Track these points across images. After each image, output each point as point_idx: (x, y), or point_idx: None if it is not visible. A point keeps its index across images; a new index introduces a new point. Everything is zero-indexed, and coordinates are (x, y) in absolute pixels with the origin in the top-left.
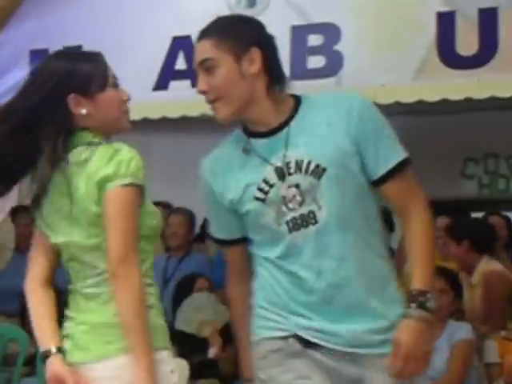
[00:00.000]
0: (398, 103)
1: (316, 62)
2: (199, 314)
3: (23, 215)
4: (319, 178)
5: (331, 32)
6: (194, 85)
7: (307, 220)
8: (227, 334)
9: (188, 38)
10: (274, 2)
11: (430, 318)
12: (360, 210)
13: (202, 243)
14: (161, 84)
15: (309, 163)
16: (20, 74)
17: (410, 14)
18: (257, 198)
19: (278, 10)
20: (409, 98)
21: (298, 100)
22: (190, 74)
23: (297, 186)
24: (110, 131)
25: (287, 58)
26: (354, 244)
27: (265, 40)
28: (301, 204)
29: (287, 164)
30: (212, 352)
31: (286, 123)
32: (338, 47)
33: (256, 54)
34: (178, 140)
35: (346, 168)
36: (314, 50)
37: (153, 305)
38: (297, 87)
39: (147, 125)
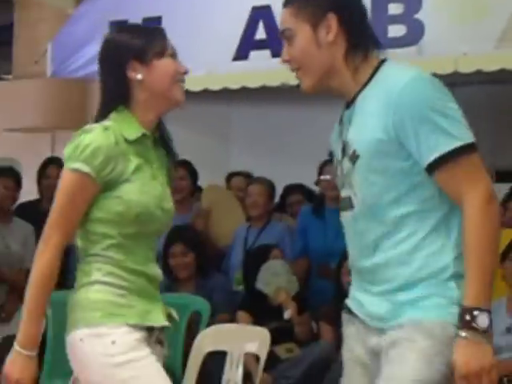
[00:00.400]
0: (479, 72)
1: (396, 30)
2: (276, 278)
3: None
4: (354, 164)
5: (412, 0)
6: (274, 55)
7: (348, 204)
8: (299, 303)
9: (267, 7)
10: None
11: (478, 337)
12: (400, 202)
13: (283, 213)
14: (241, 54)
15: (350, 147)
16: (98, 47)
17: None
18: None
19: None
20: (491, 66)
21: (376, 69)
22: (270, 44)
23: (343, 168)
24: (161, 103)
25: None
26: (383, 235)
27: (343, 4)
28: (342, 187)
29: (346, 143)
30: (287, 313)
31: (356, 97)
32: (418, 16)
33: (333, 20)
34: (258, 110)
35: (381, 158)
36: (395, 19)
37: (96, 281)
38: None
39: (227, 95)
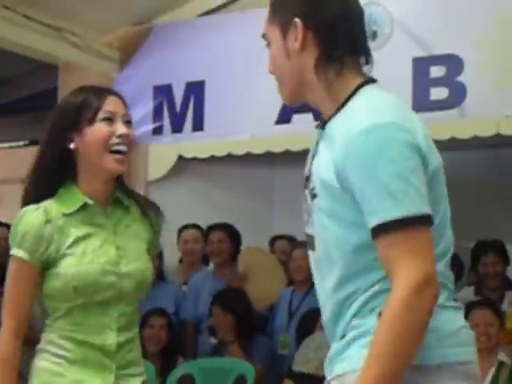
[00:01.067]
0: None
1: (439, 93)
2: (319, 352)
3: None
4: (312, 201)
5: (453, 63)
6: (316, 118)
7: (311, 243)
8: None
9: None
10: (396, 34)
11: None
12: (349, 253)
13: None
14: (283, 118)
15: (311, 181)
16: (144, 109)
17: None
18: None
19: (399, 42)
20: None
21: (354, 92)
22: (312, 108)
23: (306, 201)
24: (99, 172)
25: (410, 90)
26: (334, 286)
27: (313, 8)
28: (307, 222)
29: (310, 175)
30: None
31: (328, 120)
32: (460, 78)
33: (299, 26)
34: (301, 173)
35: (334, 204)
36: (437, 82)
37: (42, 349)
38: (421, 118)
39: (270, 158)
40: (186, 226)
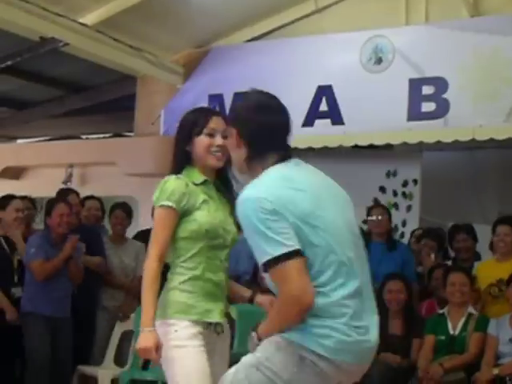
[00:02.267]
0: (492, 140)
1: (428, 106)
2: None
3: None
4: None
5: (440, 83)
6: (333, 123)
7: None
8: None
9: (329, 86)
10: (396, 60)
11: None
12: None
13: None
14: (308, 122)
15: None
16: None
17: (504, 71)
18: None
19: (399, 66)
20: (501, 135)
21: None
22: (330, 115)
23: None
24: (203, 166)
25: (406, 104)
26: None
27: (241, 122)
28: None
29: None
30: None
31: None
32: (445, 95)
33: (233, 132)
34: (320, 165)
35: None
36: (427, 98)
37: (175, 287)
38: (413, 127)
39: (296, 153)
40: None
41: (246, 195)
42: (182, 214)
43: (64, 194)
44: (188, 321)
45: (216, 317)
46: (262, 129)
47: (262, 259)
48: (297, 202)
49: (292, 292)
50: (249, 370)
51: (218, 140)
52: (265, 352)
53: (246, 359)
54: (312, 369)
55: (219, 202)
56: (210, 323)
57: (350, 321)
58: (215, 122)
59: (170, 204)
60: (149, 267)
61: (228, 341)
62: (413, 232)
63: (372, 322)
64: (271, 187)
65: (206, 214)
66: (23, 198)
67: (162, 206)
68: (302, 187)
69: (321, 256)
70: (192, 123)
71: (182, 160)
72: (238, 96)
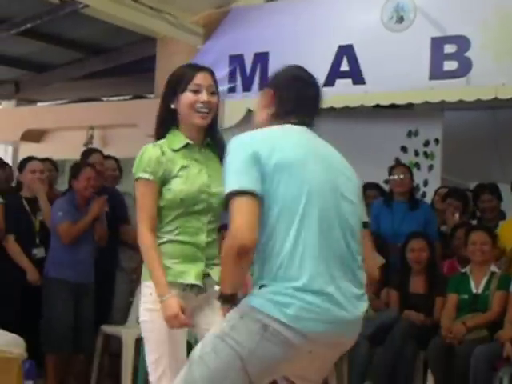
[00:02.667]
0: None
1: (450, 65)
2: None
3: None
4: None
5: (463, 42)
6: (354, 82)
7: None
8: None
9: (350, 46)
10: (418, 18)
11: None
12: None
13: None
14: (329, 81)
15: None
16: (221, 73)
17: None
18: None
19: (421, 25)
20: None
21: None
22: (351, 74)
23: None
24: (190, 124)
25: (428, 63)
26: None
27: (281, 85)
28: None
29: None
30: None
31: None
32: (468, 54)
33: (269, 91)
34: (341, 125)
35: None
36: (449, 56)
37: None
38: (435, 86)
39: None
40: None
41: (238, 136)
42: (161, 183)
43: (88, 153)
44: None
45: (191, 278)
46: (295, 94)
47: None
48: (279, 153)
49: (232, 230)
50: (214, 341)
51: (204, 96)
52: (230, 321)
53: (213, 330)
54: (276, 337)
55: (206, 164)
56: (187, 284)
57: (311, 286)
58: (201, 78)
59: (146, 176)
60: (143, 243)
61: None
62: (437, 190)
63: (349, 292)
64: (263, 135)
65: (184, 181)
66: (44, 159)
67: (139, 178)
68: (293, 144)
69: (285, 211)
70: (177, 79)
71: (166, 120)
72: (258, 56)
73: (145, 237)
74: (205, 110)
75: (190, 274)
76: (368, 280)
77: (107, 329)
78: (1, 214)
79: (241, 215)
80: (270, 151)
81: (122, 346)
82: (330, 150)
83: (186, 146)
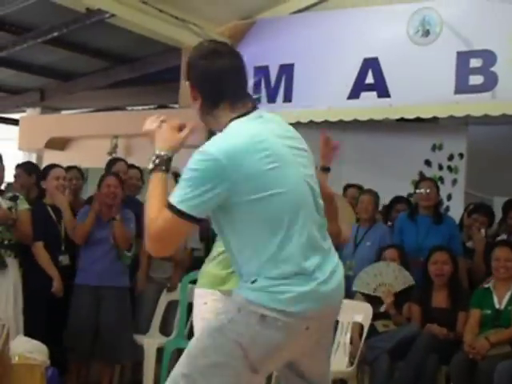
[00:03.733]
0: None
1: (476, 80)
2: (377, 278)
3: None
4: None
5: (489, 56)
6: (379, 95)
7: None
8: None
9: (376, 59)
10: (444, 32)
11: None
12: None
13: (384, 218)
14: (354, 94)
15: None
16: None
17: None
18: None
19: (447, 38)
20: None
21: (227, 125)
22: (376, 87)
23: None
24: None
25: (453, 77)
26: None
27: (191, 70)
28: None
29: None
30: (382, 308)
31: None
32: (494, 68)
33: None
34: (366, 137)
35: None
36: (475, 71)
37: (213, 258)
38: (460, 100)
39: (342, 125)
40: None
41: (202, 149)
42: None
43: (113, 163)
44: (218, 292)
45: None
46: (209, 73)
47: (170, 198)
48: (253, 162)
49: (154, 233)
50: (213, 334)
51: None
52: (227, 314)
53: (209, 324)
54: (274, 324)
55: None
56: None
57: (300, 271)
58: None
59: None
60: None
61: None
62: (467, 207)
63: (328, 266)
64: (232, 145)
65: None
66: (71, 167)
67: None
68: (265, 146)
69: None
70: None
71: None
72: (283, 68)
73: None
74: None
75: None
76: (338, 241)
77: None
78: (29, 220)
79: (171, 232)
80: (238, 163)
81: (144, 355)
82: (292, 134)
83: None
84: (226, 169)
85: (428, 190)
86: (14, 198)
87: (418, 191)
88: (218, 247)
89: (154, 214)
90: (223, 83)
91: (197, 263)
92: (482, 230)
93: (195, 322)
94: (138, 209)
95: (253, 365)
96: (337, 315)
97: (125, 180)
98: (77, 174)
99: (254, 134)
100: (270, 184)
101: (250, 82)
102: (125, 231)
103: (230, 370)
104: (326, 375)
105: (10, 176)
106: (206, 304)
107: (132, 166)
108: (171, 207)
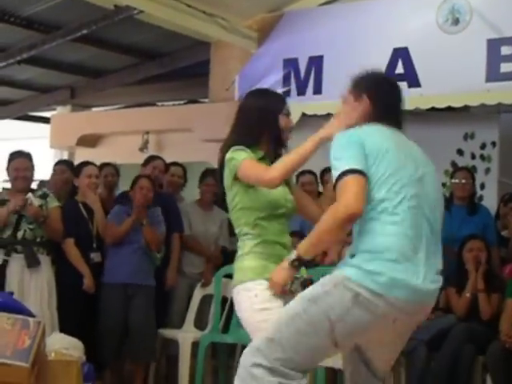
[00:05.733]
0: None
1: (507, 67)
2: None
3: None
4: None
5: None
6: (409, 85)
7: None
8: None
9: (405, 49)
10: (474, 20)
11: None
12: None
13: None
14: None
15: None
16: (275, 78)
17: None
18: None
19: (477, 26)
20: None
21: None
22: (406, 77)
23: None
24: (268, 139)
25: (484, 65)
26: None
27: (375, 88)
28: None
29: None
30: None
31: None
32: None
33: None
34: None
35: None
36: (506, 58)
37: (248, 252)
38: (491, 88)
39: None
40: (303, 172)
41: (343, 132)
42: (246, 185)
43: (151, 159)
44: (266, 281)
45: None
46: (388, 99)
47: (335, 176)
48: (379, 143)
49: (342, 201)
50: (307, 303)
51: (292, 120)
52: (323, 287)
53: (304, 293)
54: (365, 305)
55: None
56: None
57: (402, 259)
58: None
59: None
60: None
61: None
62: (503, 197)
63: (430, 266)
64: (364, 132)
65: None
66: (106, 164)
67: (245, 158)
68: (388, 139)
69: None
70: (274, 103)
71: (256, 133)
72: (312, 60)
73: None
74: (290, 131)
75: None
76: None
77: (164, 332)
78: (59, 217)
79: (351, 188)
80: (372, 142)
81: (179, 350)
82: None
83: (263, 157)
84: None
85: (464, 181)
86: (44, 196)
87: (453, 181)
88: (247, 245)
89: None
90: (394, 111)
91: (226, 260)
92: None
93: (247, 316)
94: (175, 208)
95: (336, 339)
96: (423, 318)
97: (166, 177)
98: (112, 170)
99: None
100: None
101: (280, 75)
102: (154, 235)
103: (315, 339)
104: (388, 371)
105: (41, 174)
106: (257, 296)
107: (175, 164)
108: (339, 176)
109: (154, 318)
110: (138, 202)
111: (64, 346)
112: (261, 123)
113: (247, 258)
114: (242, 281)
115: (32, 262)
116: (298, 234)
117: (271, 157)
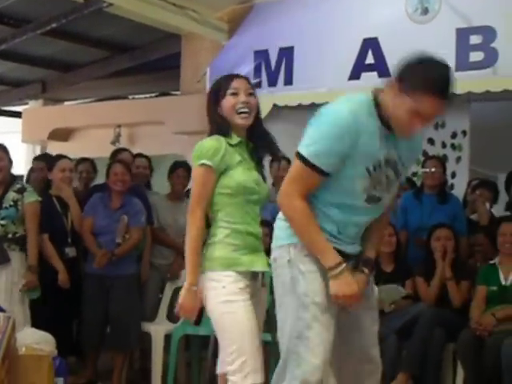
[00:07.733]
0: None
1: (476, 56)
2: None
3: None
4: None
5: (489, 33)
6: (380, 75)
7: (376, 200)
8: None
9: (375, 39)
10: (443, 9)
11: None
12: None
13: None
14: (354, 75)
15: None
16: (246, 69)
17: None
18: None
19: (446, 16)
20: None
21: None
22: (377, 67)
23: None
24: (234, 126)
25: (453, 54)
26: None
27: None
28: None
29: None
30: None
31: None
32: (494, 44)
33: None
34: None
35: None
36: (475, 47)
37: (219, 241)
38: (461, 77)
39: None
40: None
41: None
42: (220, 173)
43: (117, 153)
44: (235, 273)
45: (261, 266)
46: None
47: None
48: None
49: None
50: (284, 270)
51: (242, 97)
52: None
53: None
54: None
55: (251, 162)
56: (257, 273)
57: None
58: (238, 82)
59: (209, 163)
60: (192, 226)
61: (266, 291)
62: (469, 182)
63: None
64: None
65: (243, 172)
66: (84, 159)
67: (202, 164)
68: None
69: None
70: (217, 88)
71: (217, 123)
72: (283, 51)
73: (198, 221)
74: (245, 110)
75: (260, 263)
76: None
77: None
78: (34, 212)
79: (297, 182)
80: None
81: (152, 343)
82: None
83: (239, 143)
84: None
85: (434, 169)
86: (20, 190)
87: (423, 170)
88: (219, 233)
89: None
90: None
91: None
92: (487, 204)
93: (212, 306)
94: (145, 198)
95: (326, 304)
96: None
97: (131, 170)
98: (89, 166)
99: None
100: None
101: (251, 67)
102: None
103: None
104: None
105: (14, 169)
106: (225, 287)
107: (139, 155)
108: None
109: (136, 307)
110: (113, 185)
111: (35, 341)
112: (213, 109)
113: (218, 248)
114: (211, 269)
115: (0, 259)
116: (269, 224)
117: (251, 140)
